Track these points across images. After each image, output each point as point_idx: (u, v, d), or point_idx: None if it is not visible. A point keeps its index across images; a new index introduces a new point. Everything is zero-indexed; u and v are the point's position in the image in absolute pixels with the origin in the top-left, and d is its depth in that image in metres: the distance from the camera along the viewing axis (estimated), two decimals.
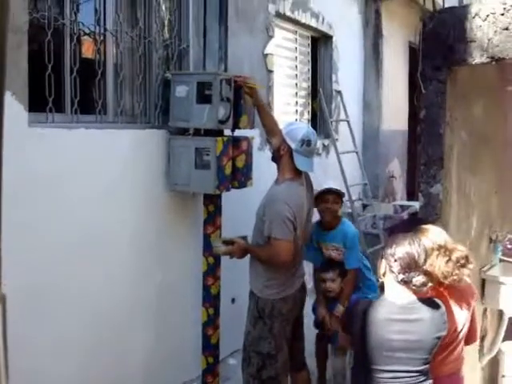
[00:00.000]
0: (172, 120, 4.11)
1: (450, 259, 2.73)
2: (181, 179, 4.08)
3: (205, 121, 3.96)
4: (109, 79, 3.88)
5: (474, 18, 3.48)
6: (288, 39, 6.50)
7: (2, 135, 1.00)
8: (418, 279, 2.54)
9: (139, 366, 4.05)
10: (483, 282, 4.50)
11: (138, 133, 3.96)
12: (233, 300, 4.92)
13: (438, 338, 2.62)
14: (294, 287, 3.68)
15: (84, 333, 3.54)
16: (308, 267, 4.31)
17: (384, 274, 2.67)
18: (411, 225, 3.10)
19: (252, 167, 4.40)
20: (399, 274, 2.56)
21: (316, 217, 4.22)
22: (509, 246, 4.85)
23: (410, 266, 2.54)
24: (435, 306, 2.66)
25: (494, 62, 3.49)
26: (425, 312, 2.61)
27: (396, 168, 9.17)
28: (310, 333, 4.29)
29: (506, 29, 3.37)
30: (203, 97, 3.97)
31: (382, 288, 2.81)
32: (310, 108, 7.10)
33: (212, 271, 4.20)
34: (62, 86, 3.50)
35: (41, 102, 3.29)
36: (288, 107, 6.56)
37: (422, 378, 2.63)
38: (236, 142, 4.21)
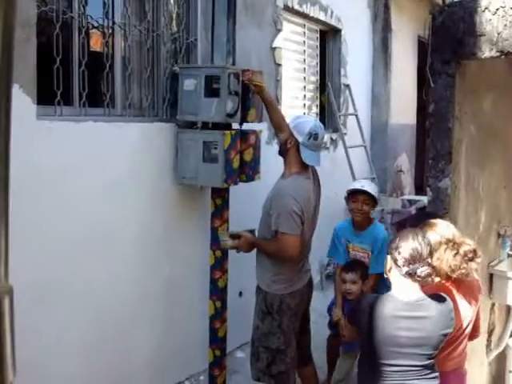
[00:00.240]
0: (180, 113, 4.11)
1: (457, 253, 2.73)
2: (188, 173, 4.09)
3: (213, 114, 3.95)
4: (117, 72, 3.88)
5: (483, 11, 3.46)
6: (296, 33, 6.47)
7: (10, 128, 1.01)
8: (423, 270, 2.53)
9: (146, 359, 4.06)
10: (491, 277, 4.50)
11: (145, 126, 3.96)
12: (240, 293, 4.93)
13: (445, 334, 2.62)
14: (301, 282, 3.68)
15: (89, 328, 3.55)
16: (314, 263, 4.28)
17: (390, 270, 2.67)
18: (420, 219, 3.10)
19: (260, 161, 4.39)
20: (403, 266, 2.56)
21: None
22: None
23: (414, 258, 2.54)
24: (443, 303, 2.65)
25: (503, 56, 3.47)
26: (433, 309, 2.61)
27: (404, 162, 9.14)
28: (318, 327, 4.29)
29: None
30: (211, 90, 3.97)
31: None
32: (318, 102, 7.08)
33: (219, 264, 4.21)
34: (71, 79, 3.50)
35: (49, 95, 3.30)
36: (296, 101, 6.54)
37: (428, 371, 2.64)
38: (244, 135, 4.20)
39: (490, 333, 4.58)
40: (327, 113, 7.28)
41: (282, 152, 3.69)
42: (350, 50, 7.46)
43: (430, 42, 3.70)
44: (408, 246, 2.57)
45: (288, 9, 5.91)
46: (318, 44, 7.00)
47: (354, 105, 7.43)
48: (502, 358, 4.80)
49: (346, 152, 6.75)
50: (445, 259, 2.72)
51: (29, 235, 3.08)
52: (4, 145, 1.00)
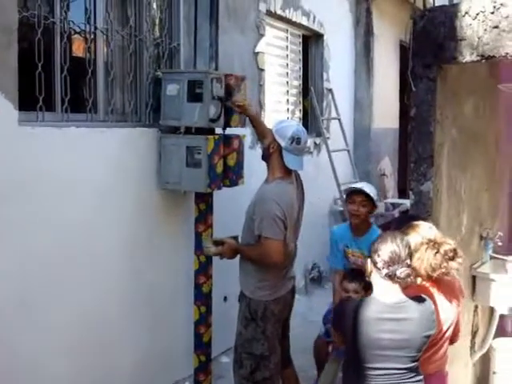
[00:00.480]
0: (163, 118, 4.10)
1: (438, 252, 2.76)
2: (172, 178, 4.08)
3: (196, 119, 3.96)
4: (99, 78, 3.87)
5: (464, 16, 3.49)
6: (279, 38, 6.50)
7: None
8: (402, 271, 2.56)
9: (130, 365, 4.03)
10: (474, 279, 4.52)
11: (128, 131, 3.95)
12: (225, 298, 4.92)
13: (427, 336, 2.63)
14: (285, 289, 3.66)
15: (72, 335, 3.53)
16: (298, 268, 4.25)
17: (370, 273, 2.69)
18: (403, 222, 3.12)
19: (243, 166, 4.40)
20: (383, 269, 2.58)
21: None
22: (499, 244, 4.87)
23: (393, 260, 2.57)
24: (425, 305, 2.67)
25: (483, 61, 3.51)
26: (414, 311, 2.62)
27: (387, 166, 9.19)
28: (304, 331, 4.27)
29: (496, 27, 3.39)
30: (194, 95, 3.97)
31: None
32: (301, 106, 7.11)
33: (204, 269, 4.20)
34: (53, 85, 3.49)
35: (31, 100, 3.28)
36: (279, 105, 6.56)
37: (412, 375, 2.65)
38: (227, 140, 4.20)
39: (474, 334, 4.61)
40: (310, 117, 7.31)
41: (265, 157, 3.67)
42: (332, 54, 7.50)
43: (412, 47, 3.72)
44: (387, 248, 2.60)
45: (271, 14, 5.93)
46: (301, 49, 7.03)
47: (336, 109, 7.46)
48: (485, 359, 4.83)
49: (330, 156, 6.78)
50: (425, 258, 2.75)
51: (11, 241, 3.06)
52: None
